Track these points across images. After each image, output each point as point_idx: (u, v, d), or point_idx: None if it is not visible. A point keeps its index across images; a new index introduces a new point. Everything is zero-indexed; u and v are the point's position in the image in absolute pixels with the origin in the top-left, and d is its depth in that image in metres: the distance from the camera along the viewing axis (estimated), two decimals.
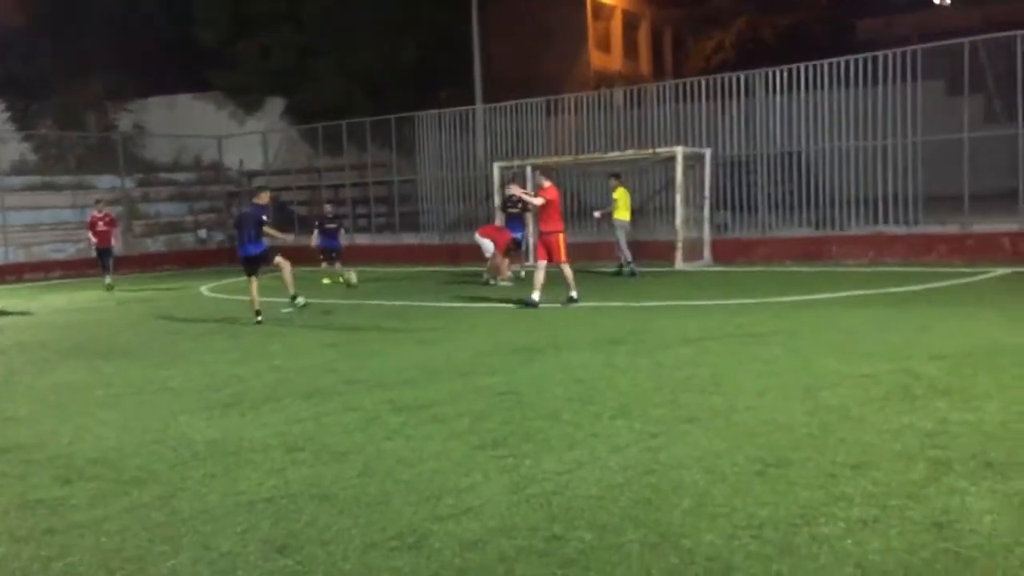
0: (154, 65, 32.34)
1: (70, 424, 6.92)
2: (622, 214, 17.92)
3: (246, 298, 13.30)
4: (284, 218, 29.61)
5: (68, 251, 26.61)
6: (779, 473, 4.93)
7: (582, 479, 4.99)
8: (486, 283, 17.12)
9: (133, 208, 29.48)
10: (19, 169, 29.13)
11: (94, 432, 6.63)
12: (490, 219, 20.89)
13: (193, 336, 12.06)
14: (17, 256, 25.42)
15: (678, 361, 8.47)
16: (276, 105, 33.29)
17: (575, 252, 20.81)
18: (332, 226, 19.76)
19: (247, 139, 31.54)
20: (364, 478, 5.21)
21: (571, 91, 26.80)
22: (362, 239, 26.25)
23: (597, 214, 18.71)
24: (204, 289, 19.68)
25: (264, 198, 13.48)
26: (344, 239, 20.49)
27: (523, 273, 17.45)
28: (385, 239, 27.13)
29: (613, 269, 18.39)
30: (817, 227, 19.88)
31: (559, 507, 4.56)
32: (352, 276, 14.79)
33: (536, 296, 13.05)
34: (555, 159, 22.03)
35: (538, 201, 13.35)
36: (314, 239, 19.68)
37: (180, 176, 32.04)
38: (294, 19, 31.61)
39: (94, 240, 20.54)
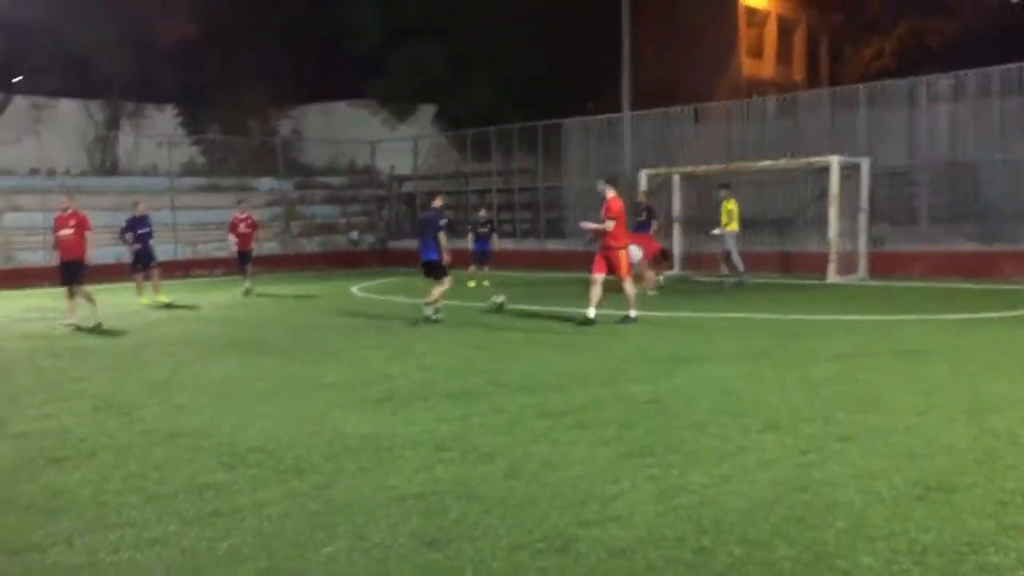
0: (313, 73, 33.77)
1: (233, 414, 7.28)
2: (733, 226, 18.08)
3: (395, 299, 13.63)
4: None
5: (231, 249, 27.99)
6: (942, 498, 4.70)
7: (731, 492, 4.89)
8: None
9: (291, 210, 30.81)
10: (188, 171, 31.00)
11: (255, 422, 6.95)
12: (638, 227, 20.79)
13: (345, 334, 12.47)
14: (185, 253, 26.94)
15: (830, 376, 8.19)
16: (427, 112, 34.14)
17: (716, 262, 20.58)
18: (484, 230, 20.29)
19: (398, 145, 32.44)
20: (510, 480, 5.26)
21: (721, 99, 26.36)
22: (506, 244, 26.51)
23: (716, 231, 18.46)
24: (355, 289, 20.32)
25: (439, 202, 13.80)
26: (495, 244, 20.79)
27: (663, 282, 17.55)
28: (529, 245, 27.36)
29: (723, 280, 18.29)
30: (985, 242, 18.83)
31: (708, 519, 4.48)
32: (500, 298, 14.46)
33: (592, 313, 12.33)
34: (703, 168, 21.71)
35: (609, 225, 12.46)
36: (469, 242, 20.26)
37: (334, 179, 33.31)
38: (444, 29, 32.30)
39: (235, 242, 19.95)
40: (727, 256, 18.12)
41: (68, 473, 5.62)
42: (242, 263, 20.07)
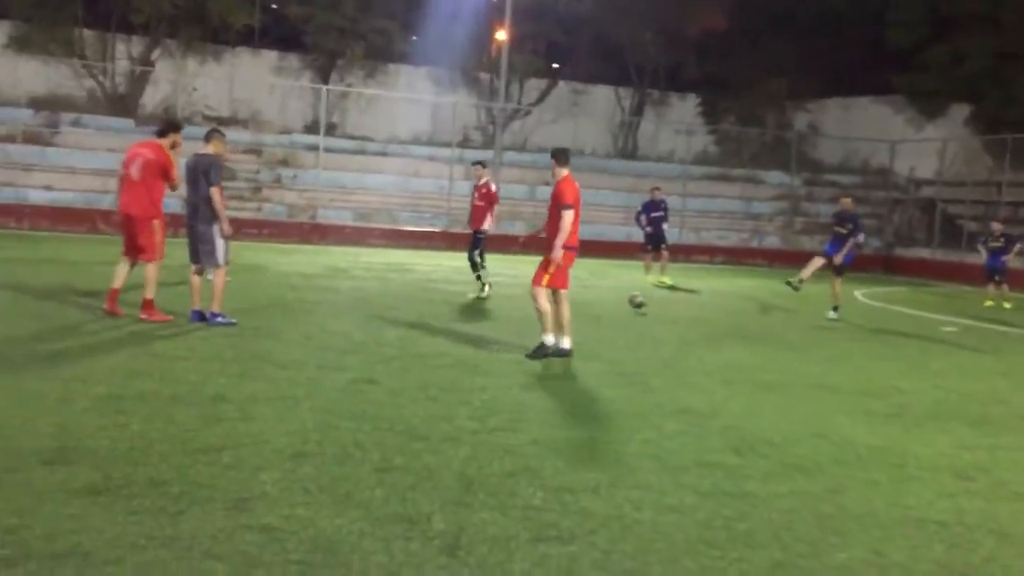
0: (837, 67, 32.75)
1: (738, 399, 7.39)
2: None
3: (904, 309, 12.81)
4: (950, 232, 27.96)
5: (731, 239, 28.56)
6: None
7: None
8: None
9: (796, 205, 30.36)
10: (701, 159, 32.01)
11: (759, 411, 6.98)
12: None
13: (849, 338, 12.00)
14: (688, 238, 27.83)
15: None
16: (960, 112, 31.31)
17: None
18: (997, 245, 18.11)
19: (922, 146, 30.29)
20: None
21: None
22: None
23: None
24: (859, 294, 19.44)
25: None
26: (1016, 261, 18.46)
27: None
28: None
29: None
30: None
31: None
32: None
33: (549, 339, 8.73)
34: None
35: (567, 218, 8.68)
36: (983, 257, 18.33)
37: (845, 178, 32.04)
38: (994, 21, 29.21)
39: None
40: None
41: (593, 430, 6.14)
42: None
